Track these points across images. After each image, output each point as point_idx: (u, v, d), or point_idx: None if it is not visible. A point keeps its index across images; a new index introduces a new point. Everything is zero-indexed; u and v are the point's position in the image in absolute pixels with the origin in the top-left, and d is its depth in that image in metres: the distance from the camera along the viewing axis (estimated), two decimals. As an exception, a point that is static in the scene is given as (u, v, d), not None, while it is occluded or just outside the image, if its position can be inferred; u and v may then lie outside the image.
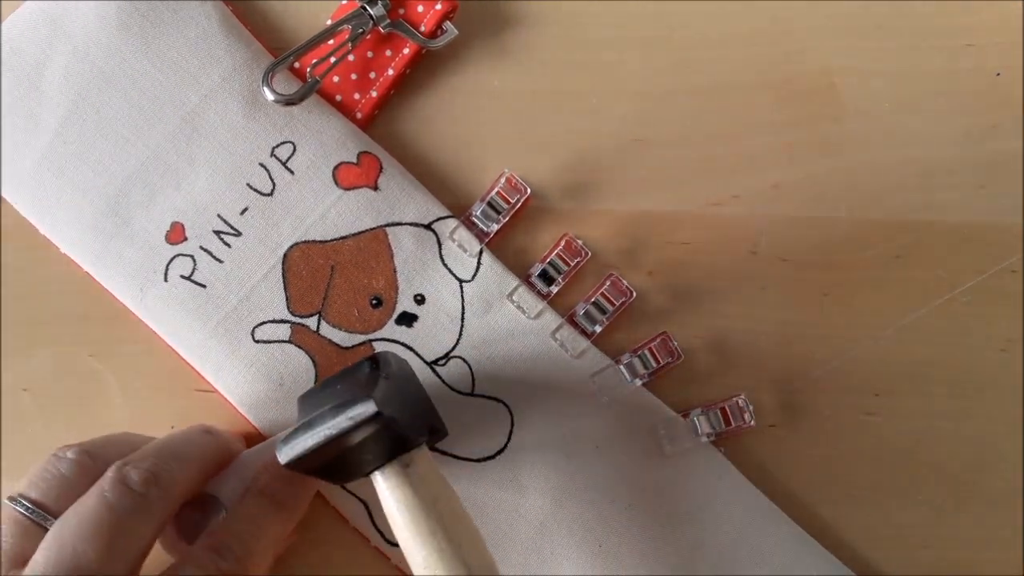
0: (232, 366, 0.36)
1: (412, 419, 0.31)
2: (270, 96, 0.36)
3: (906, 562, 0.37)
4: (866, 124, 0.40)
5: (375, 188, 0.37)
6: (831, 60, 0.40)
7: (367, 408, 0.28)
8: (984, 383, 0.38)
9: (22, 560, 0.29)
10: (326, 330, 0.37)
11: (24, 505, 0.30)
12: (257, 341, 0.37)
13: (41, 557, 0.28)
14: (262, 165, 0.37)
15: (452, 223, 0.38)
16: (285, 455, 0.29)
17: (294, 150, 0.37)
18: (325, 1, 0.39)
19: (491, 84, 0.40)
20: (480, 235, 0.37)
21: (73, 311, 0.38)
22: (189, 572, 0.30)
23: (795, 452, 0.38)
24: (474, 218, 0.37)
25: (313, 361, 0.37)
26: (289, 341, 0.37)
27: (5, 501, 0.31)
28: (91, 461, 0.31)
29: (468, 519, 0.31)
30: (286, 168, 0.37)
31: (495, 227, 0.37)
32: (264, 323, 0.37)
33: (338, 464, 0.30)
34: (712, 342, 0.38)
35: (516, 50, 0.40)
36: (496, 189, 0.37)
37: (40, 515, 0.30)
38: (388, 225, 0.37)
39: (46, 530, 0.29)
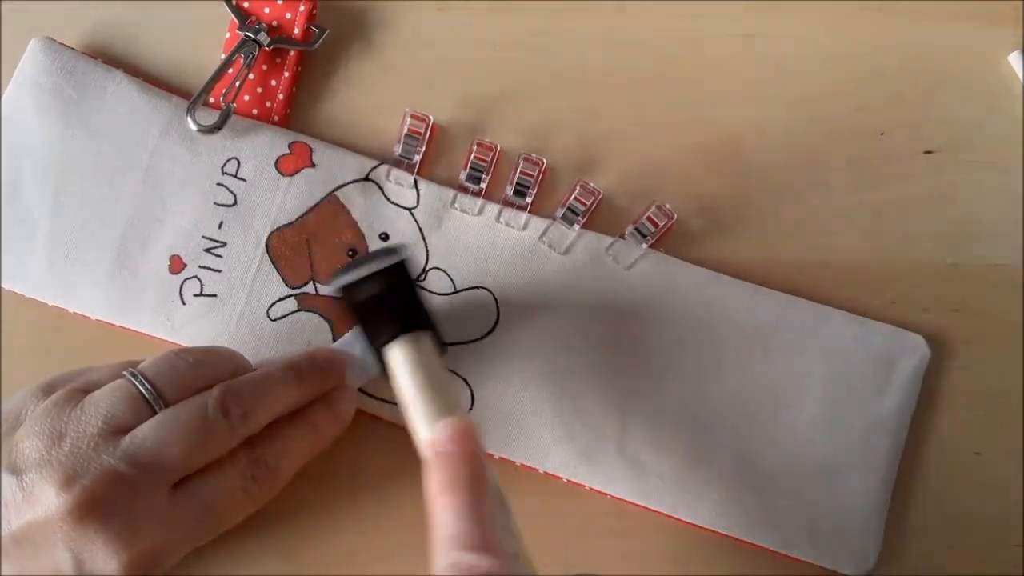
0: (265, 348, 0.44)
1: (420, 304, 0.38)
2: (194, 127, 0.44)
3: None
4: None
5: (313, 166, 0.45)
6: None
7: (400, 251, 0.38)
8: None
9: (124, 428, 0.33)
10: (324, 289, 0.44)
11: (144, 385, 0.34)
12: (274, 320, 0.44)
13: (142, 438, 0.33)
14: (220, 184, 0.45)
15: (385, 168, 0.45)
16: (337, 281, 0.37)
17: (239, 164, 0.45)
18: (207, 51, 0.47)
19: (372, 64, 0.48)
20: (409, 168, 0.45)
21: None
22: (228, 475, 0.35)
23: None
24: (399, 156, 0.45)
25: (324, 317, 0.44)
26: (299, 310, 0.44)
27: (126, 372, 0.35)
28: (206, 371, 0.36)
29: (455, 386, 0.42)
30: (238, 179, 0.45)
31: (418, 157, 0.45)
32: (274, 303, 0.44)
33: (372, 311, 0.37)
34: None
35: (382, 36, 0.49)
36: (405, 126, 0.45)
37: (155, 397, 0.34)
38: (335, 189, 0.45)
39: (151, 410, 0.34)
